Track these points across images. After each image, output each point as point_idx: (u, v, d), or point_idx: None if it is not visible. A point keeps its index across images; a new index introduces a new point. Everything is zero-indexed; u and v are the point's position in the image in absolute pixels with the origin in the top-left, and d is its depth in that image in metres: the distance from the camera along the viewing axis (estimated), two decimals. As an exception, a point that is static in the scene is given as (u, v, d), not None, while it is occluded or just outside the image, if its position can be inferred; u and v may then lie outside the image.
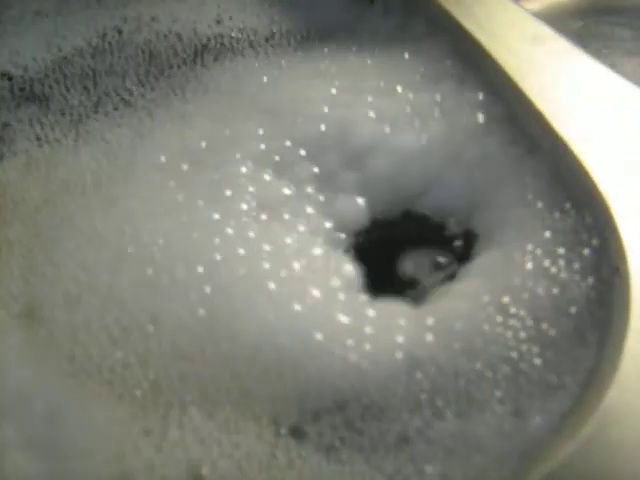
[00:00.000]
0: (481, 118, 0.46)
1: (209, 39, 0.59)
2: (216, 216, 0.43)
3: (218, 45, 0.59)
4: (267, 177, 0.45)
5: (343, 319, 0.38)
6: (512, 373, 0.36)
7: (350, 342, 0.37)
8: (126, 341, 0.38)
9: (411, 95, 0.48)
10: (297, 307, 0.38)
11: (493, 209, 0.44)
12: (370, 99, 0.49)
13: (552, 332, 0.37)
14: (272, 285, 0.39)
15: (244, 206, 0.43)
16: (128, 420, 0.36)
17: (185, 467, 0.35)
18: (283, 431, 0.35)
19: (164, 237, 0.42)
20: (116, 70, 0.57)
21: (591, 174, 0.41)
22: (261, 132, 0.48)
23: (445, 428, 0.35)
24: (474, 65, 0.50)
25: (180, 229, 0.42)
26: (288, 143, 0.47)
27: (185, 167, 0.46)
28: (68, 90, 0.56)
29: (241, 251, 0.41)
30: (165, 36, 0.60)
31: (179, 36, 0.60)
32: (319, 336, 0.37)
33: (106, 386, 0.37)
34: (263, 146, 0.47)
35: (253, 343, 0.37)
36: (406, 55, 0.52)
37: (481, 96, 0.47)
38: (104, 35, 0.61)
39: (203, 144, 0.48)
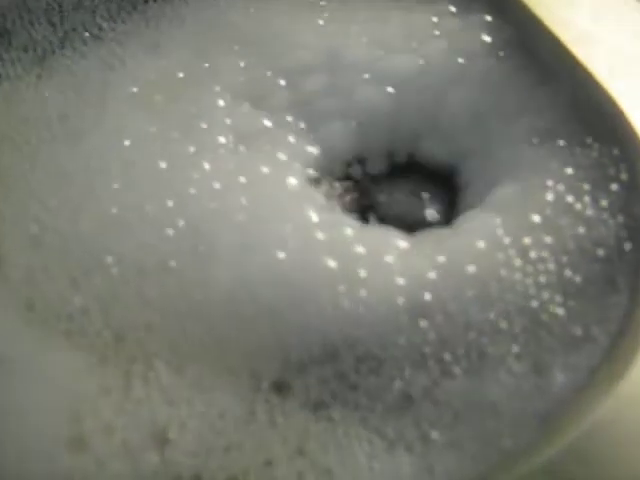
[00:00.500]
0: (486, 42, 0.41)
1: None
2: (191, 149, 0.37)
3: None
4: (246, 109, 0.40)
5: (329, 260, 0.33)
6: (531, 325, 0.31)
7: (340, 285, 0.32)
8: (88, 285, 0.33)
9: (408, 19, 0.42)
10: (277, 249, 0.33)
11: (504, 144, 0.38)
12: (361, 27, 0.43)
13: (577, 278, 0.32)
14: (249, 223, 0.34)
15: (221, 139, 0.38)
16: (86, 375, 0.31)
17: (149, 430, 0.30)
18: (264, 385, 0.30)
19: (133, 172, 0.37)
20: (85, 5, 0.52)
21: (617, 103, 0.36)
22: (242, 64, 0.43)
23: (454, 387, 0.30)
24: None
25: (151, 163, 0.37)
26: (269, 73, 0.41)
27: (159, 99, 0.41)
28: (32, 25, 0.51)
29: (217, 185, 0.35)
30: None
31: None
32: (302, 279, 0.32)
33: (64, 335, 0.32)
34: (242, 78, 0.41)
35: (228, 288, 0.32)
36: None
37: (487, 19, 0.42)
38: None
39: (179, 75, 0.42)
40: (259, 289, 0.32)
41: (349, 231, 0.34)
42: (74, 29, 0.50)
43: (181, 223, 0.34)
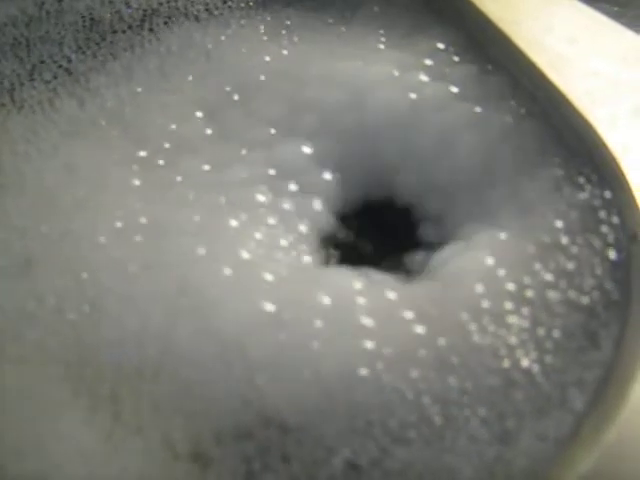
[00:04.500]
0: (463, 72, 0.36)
1: (160, 2, 0.50)
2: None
3: (170, 8, 0.50)
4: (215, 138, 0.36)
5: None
6: (503, 383, 0.27)
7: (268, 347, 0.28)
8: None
9: (382, 49, 0.38)
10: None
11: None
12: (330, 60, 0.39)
13: (556, 330, 0.28)
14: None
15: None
16: None
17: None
18: (181, 454, 0.26)
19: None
20: (53, 38, 0.49)
21: (596, 128, 0.32)
22: (211, 95, 0.39)
23: (409, 455, 0.26)
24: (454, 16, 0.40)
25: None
26: (227, 88, 0.37)
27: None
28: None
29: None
30: (110, 1, 0.51)
31: (126, 1, 0.51)
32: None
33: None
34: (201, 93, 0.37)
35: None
36: (375, 8, 0.43)
37: (463, 50, 0.38)
38: (42, 3, 0.52)
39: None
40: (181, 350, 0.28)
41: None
42: (42, 62, 0.47)
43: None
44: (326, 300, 0.28)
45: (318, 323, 0.28)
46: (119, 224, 0.32)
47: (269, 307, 0.28)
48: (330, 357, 0.27)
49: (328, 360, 0.27)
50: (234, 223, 0.31)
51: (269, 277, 0.29)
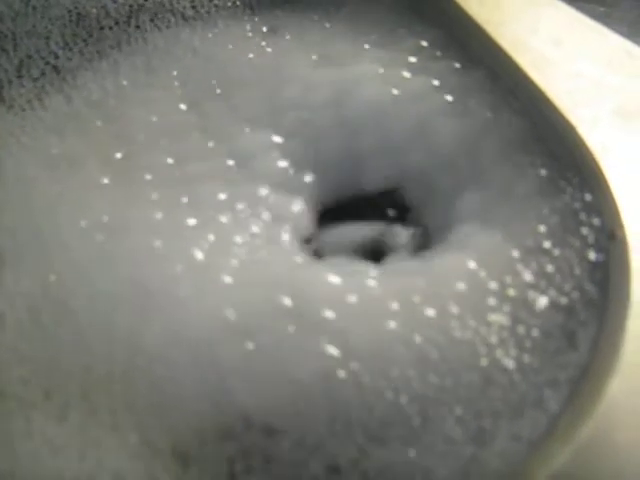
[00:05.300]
0: (444, 67, 0.36)
1: (146, -1, 0.50)
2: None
3: (156, 5, 0.49)
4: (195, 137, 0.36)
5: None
6: (481, 382, 0.27)
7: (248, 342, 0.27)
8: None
9: (367, 47, 0.38)
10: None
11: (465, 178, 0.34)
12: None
13: (535, 330, 0.28)
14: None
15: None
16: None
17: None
18: (162, 452, 0.26)
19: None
20: (39, 32, 0.48)
21: (577, 129, 0.32)
22: (197, 92, 0.38)
23: (387, 456, 0.25)
24: (438, 16, 0.40)
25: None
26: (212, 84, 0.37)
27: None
28: (-14, 52, 0.47)
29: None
30: (97, -4, 0.50)
31: (113, -4, 0.50)
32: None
33: None
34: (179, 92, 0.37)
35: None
36: (361, 8, 0.42)
37: (448, 50, 0.37)
38: (29, -1, 0.51)
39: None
40: (155, 346, 0.27)
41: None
42: (29, 57, 0.47)
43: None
44: (294, 298, 0.28)
45: (287, 324, 0.27)
46: (83, 223, 0.31)
47: (232, 310, 0.28)
48: (302, 356, 0.27)
49: (300, 360, 0.26)
50: (204, 221, 0.31)
51: (236, 276, 0.29)
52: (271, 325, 0.27)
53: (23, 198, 0.34)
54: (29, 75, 0.45)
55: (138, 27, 0.47)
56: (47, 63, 0.46)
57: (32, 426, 0.27)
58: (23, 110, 0.42)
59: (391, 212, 0.34)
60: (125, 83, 0.40)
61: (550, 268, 0.29)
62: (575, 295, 0.28)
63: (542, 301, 0.28)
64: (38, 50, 0.47)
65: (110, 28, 0.47)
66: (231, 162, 0.33)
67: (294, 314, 0.28)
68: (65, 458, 0.26)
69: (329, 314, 0.28)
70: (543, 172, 0.32)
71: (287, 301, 0.28)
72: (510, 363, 0.27)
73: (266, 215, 0.31)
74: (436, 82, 0.34)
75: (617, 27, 0.39)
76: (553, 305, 0.28)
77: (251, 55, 0.39)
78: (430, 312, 0.28)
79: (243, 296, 0.28)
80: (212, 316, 0.28)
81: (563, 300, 0.28)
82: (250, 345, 0.27)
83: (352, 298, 0.28)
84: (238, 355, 0.27)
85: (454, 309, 0.28)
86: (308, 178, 0.33)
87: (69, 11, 0.49)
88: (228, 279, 0.29)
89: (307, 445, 0.25)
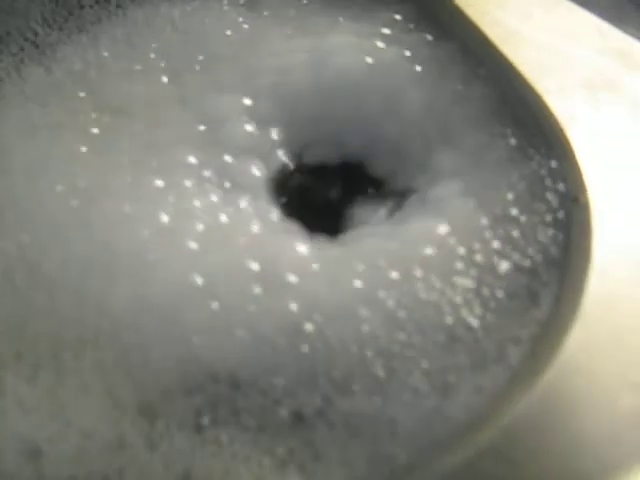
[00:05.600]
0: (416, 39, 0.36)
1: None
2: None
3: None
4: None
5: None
6: (446, 340, 0.27)
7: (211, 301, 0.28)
8: None
9: (341, 21, 0.38)
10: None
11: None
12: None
13: (499, 290, 0.28)
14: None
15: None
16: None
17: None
18: (128, 408, 0.26)
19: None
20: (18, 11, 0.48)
21: (543, 97, 0.33)
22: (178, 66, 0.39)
23: (351, 406, 0.26)
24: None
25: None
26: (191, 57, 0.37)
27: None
28: (-35, 28, 0.47)
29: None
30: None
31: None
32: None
33: None
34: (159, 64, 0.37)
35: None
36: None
37: (420, 23, 0.38)
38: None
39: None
40: (124, 309, 0.28)
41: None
42: (8, 33, 0.47)
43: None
44: (260, 262, 0.28)
45: (252, 286, 0.28)
46: (59, 188, 0.32)
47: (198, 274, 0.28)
48: (268, 314, 0.27)
49: (265, 318, 0.27)
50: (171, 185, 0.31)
51: (203, 241, 0.29)
52: (236, 287, 0.28)
53: (2, 164, 0.35)
54: (8, 51, 0.45)
55: (119, 6, 0.47)
56: (26, 39, 0.46)
57: (3, 385, 0.27)
58: (1, 80, 0.43)
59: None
60: (106, 55, 0.40)
61: (516, 233, 0.30)
62: (538, 258, 0.29)
63: (506, 264, 0.29)
64: (18, 27, 0.47)
65: (90, 7, 0.48)
66: (202, 127, 0.34)
67: (260, 277, 0.28)
68: (36, 417, 0.27)
69: (295, 276, 0.28)
70: (512, 140, 0.32)
71: (253, 265, 0.28)
72: (475, 322, 0.27)
73: (234, 179, 0.32)
74: (408, 53, 0.35)
75: (591, 8, 0.39)
76: (517, 268, 0.29)
77: (228, 30, 0.39)
78: (397, 274, 0.28)
79: (209, 260, 0.29)
80: (179, 279, 0.28)
81: (527, 263, 0.29)
82: (215, 305, 0.27)
83: (319, 260, 0.28)
84: (204, 315, 0.27)
85: (421, 272, 0.29)
86: (278, 142, 0.34)
87: (49, -11, 0.49)
88: (194, 244, 0.29)
89: (273, 396, 0.26)
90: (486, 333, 0.27)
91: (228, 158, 0.33)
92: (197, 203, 0.31)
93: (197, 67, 0.37)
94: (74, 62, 0.41)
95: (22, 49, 0.45)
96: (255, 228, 0.30)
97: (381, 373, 0.26)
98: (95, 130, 0.35)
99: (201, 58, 0.37)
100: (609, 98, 0.33)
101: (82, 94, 0.38)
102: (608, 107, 0.33)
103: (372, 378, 0.26)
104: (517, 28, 0.36)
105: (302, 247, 0.29)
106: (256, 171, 0.33)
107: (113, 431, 0.26)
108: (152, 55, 0.40)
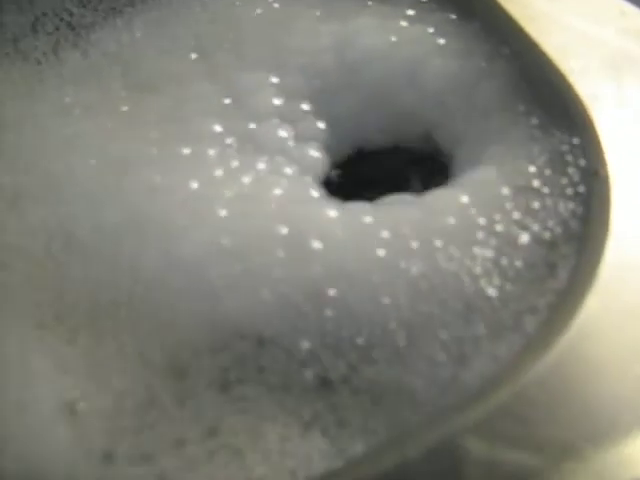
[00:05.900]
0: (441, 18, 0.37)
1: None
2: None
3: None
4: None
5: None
6: (465, 310, 0.28)
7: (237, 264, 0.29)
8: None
9: (369, 4, 0.39)
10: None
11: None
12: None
13: (518, 260, 0.29)
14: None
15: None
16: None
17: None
18: (158, 369, 0.27)
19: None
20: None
21: (567, 77, 0.33)
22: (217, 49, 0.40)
23: (374, 374, 0.27)
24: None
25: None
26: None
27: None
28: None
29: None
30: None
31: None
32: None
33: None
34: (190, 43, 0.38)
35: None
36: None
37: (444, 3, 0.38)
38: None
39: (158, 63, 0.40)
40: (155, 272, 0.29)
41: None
42: (44, 14, 0.48)
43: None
44: (289, 227, 0.29)
45: (278, 250, 0.29)
46: (93, 162, 0.33)
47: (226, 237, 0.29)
48: (292, 277, 0.28)
49: (290, 280, 0.28)
50: (211, 153, 0.32)
51: (232, 207, 0.30)
52: (264, 250, 0.29)
53: (38, 141, 0.36)
54: (44, 30, 0.47)
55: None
56: (62, 20, 0.47)
57: (44, 346, 0.28)
58: (39, 63, 0.44)
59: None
60: (139, 35, 0.41)
61: (536, 205, 0.30)
62: (558, 229, 0.29)
63: (526, 235, 0.29)
64: (53, 8, 0.48)
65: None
66: (228, 101, 0.35)
67: (286, 242, 0.29)
68: (73, 377, 0.28)
69: (321, 242, 0.29)
70: (535, 118, 0.33)
71: (282, 230, 0.29)
72: (493, 292, 0.28)
73: (261, 146, 0.33)
74: (432, 30, 0.36)
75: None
76: (536, 239, 0.29)
77: (259, 9, 0.40)
78: (418, 243, 0.29)
79: (237, 225, 0.30)
80: (207, 242, 0.29)
81: (546, 234, 0.29)
82: (240, 267, 0.28)
83: (346, 228, 0.29)
84: (230, 276, 0.28)
85: (442, 242, 0.29)
86: (306, 112, 0.35)
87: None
88: (224, 211, 0.30)
89: (298, 357, 0.27)
90: (503, 303, 0.28)
91: (252, 125, 0.34)
92: (223, 170, 0.32)
93: (226, 45, 0.38)
94: (109, 44, 0.42)
95: (57, 29, 0.47)
96: (284, 194, 0.31)
97: (401, 342, 0.27)
98: (125, 107, 0.36)
99: (231, 36, 0.38)
100: (632, 78, 0.33)
101: (116, 74, 0.40)
102: (631, 86, 0.33)
103: (393, 347, 0.27)
104: (541, 9, 0.36)
105: (331, 212, 0.30)
106: (290, 140, 0.34)
107: (144, 389, 0.27)
108: (182, 34, 0.41)
